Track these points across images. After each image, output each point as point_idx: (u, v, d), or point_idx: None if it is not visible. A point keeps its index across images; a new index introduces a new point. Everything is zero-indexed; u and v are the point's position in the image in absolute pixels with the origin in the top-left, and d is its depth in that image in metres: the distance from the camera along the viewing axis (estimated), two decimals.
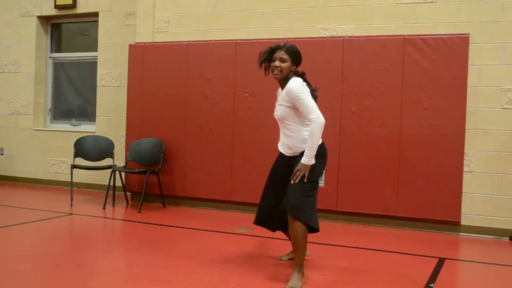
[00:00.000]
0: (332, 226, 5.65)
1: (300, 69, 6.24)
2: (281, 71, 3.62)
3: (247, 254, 4.35)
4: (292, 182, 3.54)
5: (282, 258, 4.19)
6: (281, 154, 3.84)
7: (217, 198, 6.35)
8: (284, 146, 3.75)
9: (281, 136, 3.78)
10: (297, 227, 3.55)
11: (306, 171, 3.50)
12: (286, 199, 3.62)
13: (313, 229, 3.72)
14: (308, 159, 3.50)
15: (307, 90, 3.59)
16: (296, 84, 3.55)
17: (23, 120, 8.26)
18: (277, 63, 3.62)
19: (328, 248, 4.70)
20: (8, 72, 8.37)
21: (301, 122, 3.59)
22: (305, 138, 3.56)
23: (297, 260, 3.57)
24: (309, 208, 3.61)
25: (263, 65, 3.75)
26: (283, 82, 3.67)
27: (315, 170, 3.57)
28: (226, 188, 6.29)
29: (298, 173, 3.51)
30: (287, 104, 3.58)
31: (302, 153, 3.55)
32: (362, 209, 5.72)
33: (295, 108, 3.56)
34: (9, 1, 8.35)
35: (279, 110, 3.67)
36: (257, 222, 4.02)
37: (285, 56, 3.62)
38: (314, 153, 3.52)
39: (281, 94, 3.68)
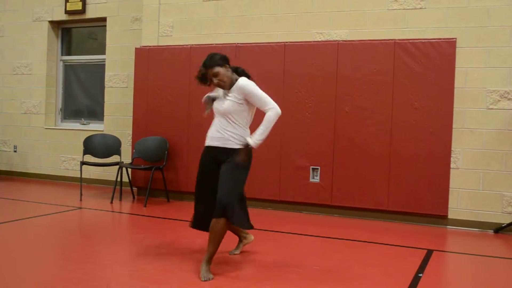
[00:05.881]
0: (327, 220, 5.65)
1: (298, 71, 6.20)
2: (224, 82, 3.51)
3: (247, 246, 4.33)
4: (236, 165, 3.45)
5: (235, 253, 4.04)
6: (208, 150, 3.61)
7: None
8: (219, 139, 3.51)
9: (217, 130, 3.52)
10: (223, 224, 3.42)
11: (246, 154, 3.46)
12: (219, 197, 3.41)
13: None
14: (258, 141, 3.44)
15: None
16: (246, 81, 3.49)
17: (35, 119, 8.24)
18: (215, 81, 3.51)
19: (323, 240, 4.69)
20: (21, 74, 8.35)
21: (245, 123, 3.54)
22: (242, 138, 3.48)
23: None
24: (238, 207, 3.48)
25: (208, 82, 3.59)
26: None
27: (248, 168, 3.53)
28: None
29: (242, 156, 3.43)
30: (237, 101, 3.47)
31: (233, 151, 3.46)
32: (355, 203, 5.71)
33: (244, 105, 3.48)
34: (22, 7, 8.33)
35: (226, 104, 3.48)
36: (196, 226, 3.71)
37: (214, 70, 3.50)
38: (264, 137, 3.45)
39: (229, 91, 3.53)
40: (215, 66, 3.51)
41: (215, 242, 3.44)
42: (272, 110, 3.46)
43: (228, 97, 3.52)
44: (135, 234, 4.89)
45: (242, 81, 3.50)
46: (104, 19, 7.75)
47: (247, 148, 3.48)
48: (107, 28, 7.69)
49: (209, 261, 3.46)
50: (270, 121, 3.45)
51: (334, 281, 3.48)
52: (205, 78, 3.56)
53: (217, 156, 3.55)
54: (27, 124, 8.31)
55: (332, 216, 5.79)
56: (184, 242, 4.41)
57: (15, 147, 8.41)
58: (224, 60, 3.57)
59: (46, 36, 8.17)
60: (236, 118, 3.50)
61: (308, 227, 5.21)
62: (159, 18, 6.82)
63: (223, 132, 3.51)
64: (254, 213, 5.85)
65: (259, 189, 6.08)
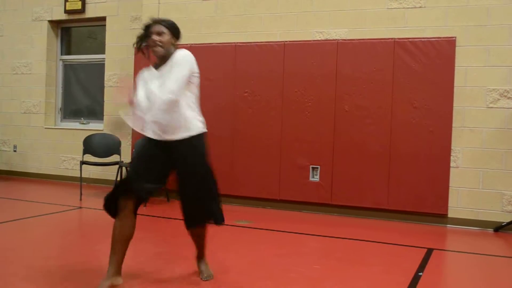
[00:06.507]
0: (327, 219, 5.65)
1: (298, 70, 6.19)
2: (162, 47, 3.06)
3: (247, 245, 4.34)
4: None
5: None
6: (152, 140, 3.12)
7: None
8: (162, 130, 3.06)
9: (155, 119, 3.04)
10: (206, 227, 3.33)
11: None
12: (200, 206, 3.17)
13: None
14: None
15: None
16: (188, 52, 3.07)
17: (35, 119, 8.24)
18: (155, 37, 3.06)
19: (323, 239, 4.69)
20: (21, 73, 8.34)
21: (186, 99, 3.06)
22: (188, 118, 3.06)
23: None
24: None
25: (143, 49, 3.18)
26: (164, 59, 3.12)
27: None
28: (227, 182, 6.25)
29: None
30: None
31: (186, 140, 3.06)
32: (355, 202, 5.71)
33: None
34: (21, 7, 8.32)
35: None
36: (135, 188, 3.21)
37: (163, 29, 3.08)
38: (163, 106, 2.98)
39: (165, 69, 3.09)
40: (166, 26, 3.12)
41: (204, 242, 3.43)
42: (172, 95, 2.97)
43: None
44: (135, 233, 4.88)
45: (182, 51, 3.09)
46: (103, 19, 7.74)
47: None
48: (107, 27, 7.68)
49: (204, 257, 3.47)
50: (161, 104, 3.00)
51: (334, 280, 3.48)
52: (147, 32, 3.11)
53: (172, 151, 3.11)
54: (27, 123, 8.31)
55: (332, 215, 5.79)
56: (184, 241, 4.40)
57: (15, 146, 8.41)
58: (177, 33, 3.17)
59: (46, 36, 8.16)
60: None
61: (308, 226, 5.21)
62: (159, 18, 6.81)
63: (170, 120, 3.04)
64: (254, 212, 5.89)
65: (258, 188, 6.08)
